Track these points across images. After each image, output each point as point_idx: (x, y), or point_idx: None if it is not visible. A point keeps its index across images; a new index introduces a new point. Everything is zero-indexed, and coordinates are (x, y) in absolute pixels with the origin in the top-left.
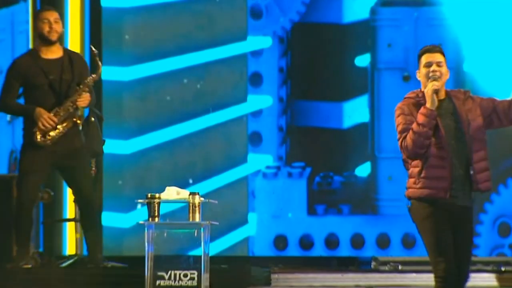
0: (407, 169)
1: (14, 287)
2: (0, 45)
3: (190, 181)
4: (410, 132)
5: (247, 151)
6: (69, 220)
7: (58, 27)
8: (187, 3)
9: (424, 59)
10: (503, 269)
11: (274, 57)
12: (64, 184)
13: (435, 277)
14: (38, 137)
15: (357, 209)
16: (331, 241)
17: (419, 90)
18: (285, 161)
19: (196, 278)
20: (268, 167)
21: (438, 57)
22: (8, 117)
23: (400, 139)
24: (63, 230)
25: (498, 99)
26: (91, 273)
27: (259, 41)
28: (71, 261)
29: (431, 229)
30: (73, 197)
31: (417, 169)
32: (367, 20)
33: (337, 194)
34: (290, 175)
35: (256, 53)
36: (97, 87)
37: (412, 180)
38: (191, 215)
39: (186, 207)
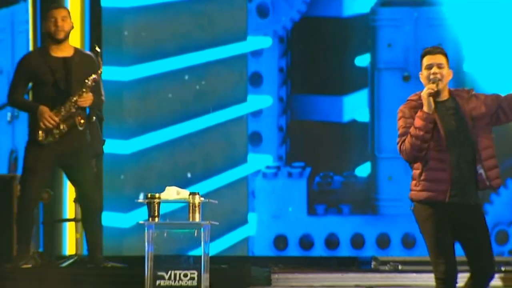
0: (412, 170)
1: (14, 287)
2: (0, 45)
3: (189, 175)
4: (408, 135)
5: (247, 151)
6: (69, 220)
7: (66, 25)
8: (187, 3)
9: (426, 61)
10: (503, 269)
11: (274, 57)
12: (64, 184)
13: (436, 278)
14: (40, 135)
15: (357, 209)
16: (331, 241)
17: (421, 92)
18: (285, 161)
19: (196, 278)
20: (268, 167)
21: (439, 58)
22: (8, 117)
23: (400, 143)
24: (63, 230)
25: (502, 95)
26: (91, 273)
27: (259, 41)
28: (71, 261)
29: (432, 230)
30: (73, 197)
31: (418, 171)
32: (367, 15)
33: (337, 194)
34: (290, 175)
35: (256, 53)
36: None
37: (413, 182)
38: (191, 215)
39: (186, 207)
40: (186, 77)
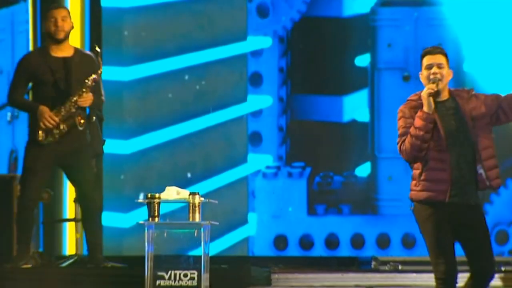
0: (412, 170)
1: (14, 287)
2: (0, 45)
3: (189, 175)
4: (408, 135)
5: (247, 151)
6: (69, 220)
7: (66, 25)
8: (187, 3)
9: (425, 61)
10: (503, 269)
11: (274, 57)
12: (64, 184)
13: (436, 278)
14: (40, 135)
15: (357, 209)
16: (331, 241)
17: (421, 92)
18: (285, 161)
19: (196, 278)
20: (268, 167)
21: (439, 58)
22: (8, 117)
23: (400, 143)
24: (63, 230)
25: (502, 95)
26: (91, 273)
27: (259, 41)
28: (71, 261)
29: (432, 230)
30: (73, 197)
31: (418, 171)
32: (367, 15)
33: (337, 194)
34: (290, 175)
35: (256, 53)
36: None
37: (413, 182)
38: (191, 215)
39: (186, 207)
40: (186, 77)
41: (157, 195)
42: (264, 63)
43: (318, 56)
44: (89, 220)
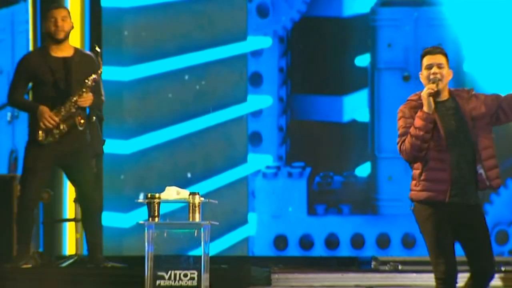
0: (412, 170)
1: (14, 287)
2: (0, 45)
3: (189, 175)
4: (408, 135)
5: (247, 151)
6: (69, 220)
7: (66, 25)
8: (187, 3)
9: (425, 61)
10: (503, 269)
11: (274, 57)
12: (64, 184)
13: (435, 278)
14: (40, 135)
15: (357, 209)
16: (331, 241)
17: (421, 92)
18: (285, 161)
19: (196, 278)
20: (268, 167)
21: (439, 58)
22: (8, 117)
23: (400, 143)
24: (63, 230)
25: (502, 95)
26: (91, 273)
27: (259, 41)
28: (71, 261)
29: (432, 231)
30: (73, 197)
31: (417, 171)
32: (367, 15)
33: (337, 194)
34: (290, 175)
35: (256, 53)
36: None
37: (413, 182)
38: (191, 215)
39: (186, 207)
40: (186, 77)
41: (157, 195)
42: (264, 63)
43: (318, 56)
44: (89, 220)
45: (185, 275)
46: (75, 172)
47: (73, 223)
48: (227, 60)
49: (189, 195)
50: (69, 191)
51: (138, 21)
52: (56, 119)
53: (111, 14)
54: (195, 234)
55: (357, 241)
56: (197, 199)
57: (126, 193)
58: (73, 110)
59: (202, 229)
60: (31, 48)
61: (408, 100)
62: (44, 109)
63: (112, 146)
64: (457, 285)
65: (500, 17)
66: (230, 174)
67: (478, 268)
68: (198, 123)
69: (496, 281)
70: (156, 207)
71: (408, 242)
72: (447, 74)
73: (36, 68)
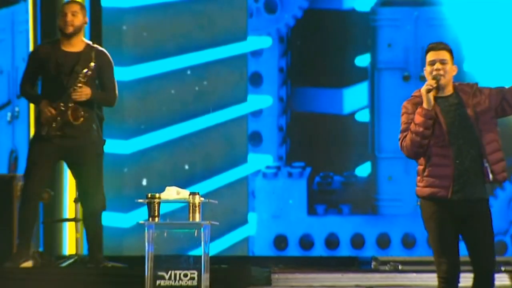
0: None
1: (14, 287)
2: (0, 45)
3: (186, 167)
4: (409, 131)
5: (247, 151)
6: (69, 220)
7: (76, 20)
8: (187, 3)
9: (429, 57)
10: (503, 268)
11: (274, 57)
12: (64, 184)
13: (438, 277)
14: (42, 129)
15: (357, 209)
16: (331, 241)
17: None
18: (285, 161)
19: (196, 278)
20: (268, 167)
21: (442, 54)
22: (8, 117)
23: (401, 139)
24: (63, 230)
25: (506, 87)
26: (91, 273)
27: (259, 41)
28: (71, 261)
29: (435, 229)
30: (73, 197)
31: (421, 167)
32: (367, 15)
33: (337, 194)
34: (290, 175)
35: (256, 53)
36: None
37: (418, 178)
38: (191, 215)
39: (186, 207)
40: (186, 77)
41: (157, 195)
42: (264, 63)
43: (318, 56)
44: (90, 219)
45: (185, 275)
46: (79, 168)
47: (73, 223)
48: (227, 60)
49: (189, 195)
50: (69, 191)
51: (138, 21)
52: (53, 112)
53: (111, 14)
54: (195, 234)
55: (357, 241)
56: (197, 199)
57: (126, 193)
58: (70, 104)
59: (202, 229)
60: (31, 48)
61: (412, 96)
62: (44, 103)
63: (112, 146)
64: (460, 284)
65: (500, 17)
66: (230, 174)
67: (477, 266)
68: (198, 123)
69: (509, 280)
70: (156, 207)
71: (408, 242)
72: (451, 69)
73: (44, 60)
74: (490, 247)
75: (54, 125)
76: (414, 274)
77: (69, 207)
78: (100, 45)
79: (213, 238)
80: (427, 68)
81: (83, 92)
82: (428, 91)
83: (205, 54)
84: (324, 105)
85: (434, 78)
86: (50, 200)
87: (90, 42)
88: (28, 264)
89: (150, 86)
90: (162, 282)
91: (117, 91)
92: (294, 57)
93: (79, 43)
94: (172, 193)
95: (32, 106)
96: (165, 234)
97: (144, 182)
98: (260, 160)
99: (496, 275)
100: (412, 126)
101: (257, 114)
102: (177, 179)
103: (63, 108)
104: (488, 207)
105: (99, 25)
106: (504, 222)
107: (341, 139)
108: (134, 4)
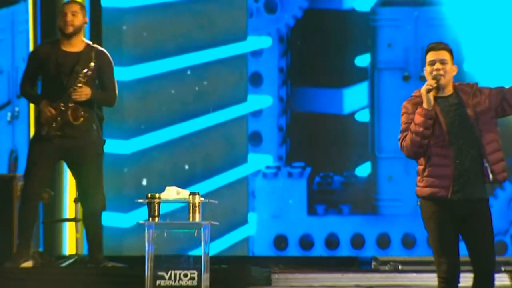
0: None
1: (14, 287)
2: (0, 45)
3: (186, 167)
4: (409, 131)
5: (247, 151)
6: (69, 220)
7: (75, 20)
8: (187, 3)
9: (429, 57)
10: (503, 268)
11: (274, 57)
12: (64, 184)
13: (438, 277)
14: (42, 129)
15: (357, 209)
16: (331, 241)
17: None
18: (285, 161)
19: (196, 278)
20: (268, 167)
21: (442, 54)
22: (8, 117)
23: (401, 139)
24: (63, 230)
25: (506, 87)
26: (91, 273)
27: (259, 41)
28: (71, 261)
29: (435, 229)
30: (73, 197)
31: (421, 167)
32: (367, 15)
33: (337, 194)
34: (290, 175)
35: (256, 53)
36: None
37: (418, 178)
38: (191, 215)
39: (186, 207)
40: (186, 77)
41: (157, 195)
42: (264, 63)
43: (318, 56)
44: (90, 219)
45: (185, 275)
46: (79, 168)
47: (73, 223)
48: (227, 60)
49: (189, 195)
50: (69, 191)
51: (138, 21)
52: (53, 112)
53: (111, 14)
54: (195, 234)
55: (357, 241)
56: (197, 199)
57: (126, 193)
58: (70, 104)
59: (202, 229)
60: (31, 48)
61: (412, 96)
62: (44, 103)
63: (112, 146)
64: (460, 284)
65: (500, 17)
66: (230, 174)
67: (477, 266)
68: (198, 123)
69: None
70: (156, 207)
71: (408, 242)
72: (451, 69)
73: (44, 60)
74: (490, 247)
75: (54, 125)
76: (414, 274)
77: (69, 207)
78: (100, 45)
79: (213, 238)
80: (427, 68)
81: (83, 92)
82: (428, 91)
83: (205, 54)
84: (324, 105)
85: (434, 78)
86: (50, 200)
87: (90, 42)
88: (28, 264)
89: (150, 86)
90: (162, 282)
91: (117, 91)
92: (294, 57)
93: (79, 43)
94: (172, 193)
95: (32, 106)
96: (165, 234)
97: (144, 182)
98: (260, 160)
99: (496, 275)
100: (412, 126)
101: (257, 114)
102: (177, 179)
103: (63, 108)
104: (488, 207)
105: (99, 25)
106: (504, 222)
107: (341, 139)
108: (134, 4)
